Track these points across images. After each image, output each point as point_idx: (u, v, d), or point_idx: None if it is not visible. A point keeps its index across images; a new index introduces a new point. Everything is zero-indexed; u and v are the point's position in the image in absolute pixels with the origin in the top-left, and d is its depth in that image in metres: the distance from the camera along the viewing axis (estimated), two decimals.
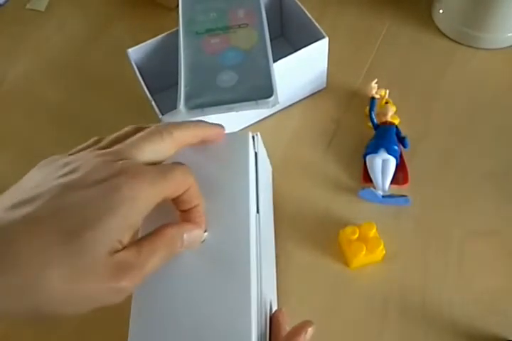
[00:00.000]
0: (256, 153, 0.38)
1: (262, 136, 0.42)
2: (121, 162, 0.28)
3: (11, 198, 0.27)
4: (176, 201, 0.32)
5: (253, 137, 0.38)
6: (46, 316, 0.26)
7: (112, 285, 0.26)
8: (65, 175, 0.28)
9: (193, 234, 0.32)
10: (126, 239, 0.27)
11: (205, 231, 0.34)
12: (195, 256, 0.33)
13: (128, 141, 0.31)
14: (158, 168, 0.30)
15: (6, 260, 0.24)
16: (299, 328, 0.34)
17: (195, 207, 0.32)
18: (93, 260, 0.25)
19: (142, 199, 0.27)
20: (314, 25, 0.51)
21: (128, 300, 0.34)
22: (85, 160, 0.28)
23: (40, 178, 0.28)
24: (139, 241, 0.29)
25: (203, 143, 0.35)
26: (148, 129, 0.32)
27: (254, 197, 0.35)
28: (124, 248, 0.27)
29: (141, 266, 0.27)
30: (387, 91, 0.54)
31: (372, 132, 0.52)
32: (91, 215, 0.26)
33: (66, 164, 0.29)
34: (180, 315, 0.32)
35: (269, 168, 0.50)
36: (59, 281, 0.24)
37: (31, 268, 0.24)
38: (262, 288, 0.34)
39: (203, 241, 0.33)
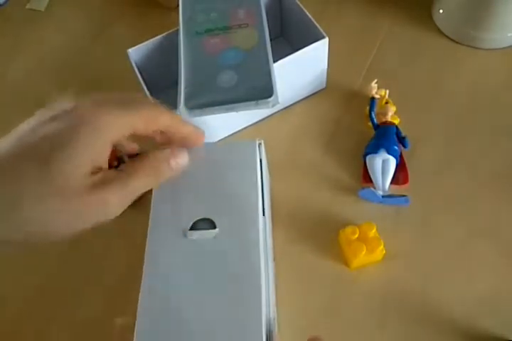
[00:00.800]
0: (261, 160, 0.39)
1: (262, 136, 0.42)
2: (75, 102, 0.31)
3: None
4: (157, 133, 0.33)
5: (259, 144, 0.39)
6: (39, 236, 0.28)
7: (93, 197, 0.28)
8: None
9: (180, 158, 0.33)
10: (100, 164, 0.30)
11: (216, 227, 0.35)
12: (204, 255, 0.34)
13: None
14: (125, 101, 0.31)
15: None
16: None
17: (181, 137, 0.34)
18: (66, 180, 0.28)
19: (106, 128, 0.29)
20: (314, 25, 0.51)
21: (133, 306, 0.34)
22: None
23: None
24: (122, 165, 0.31)
25: (183, 144, 0.35)
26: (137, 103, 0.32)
27: (261, 201, 0.37)
28: (102, 171, 0.30)
29: (123, 181, 0.30)
30: (387, 91, 0.54)
31: (372, 132, 0.52)
32: (57, 143, 0.28)
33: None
34: (188, 317, 0.32)
35: (268, 174, 0.50)
36: (35, 201, 0.27)
37: (9, 194, 0.27)
38: (269, 290, 0.35)
39: (214, 237, 0.35)
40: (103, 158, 0.30)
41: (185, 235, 0.35)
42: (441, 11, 0.60)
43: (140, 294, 0.33)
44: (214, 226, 0.35)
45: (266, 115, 0.56)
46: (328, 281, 0.47)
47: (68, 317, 0.48)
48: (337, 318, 0.45)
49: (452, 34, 0.59)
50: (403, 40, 0.60)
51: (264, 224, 0.37)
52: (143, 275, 0.34)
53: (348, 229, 0.46)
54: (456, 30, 0.59)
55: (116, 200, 0.29)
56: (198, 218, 0.36)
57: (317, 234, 0.49)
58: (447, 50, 0.59)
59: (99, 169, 0.30)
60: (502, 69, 0.57)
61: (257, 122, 0.56)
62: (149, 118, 0.31)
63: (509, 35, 0.57)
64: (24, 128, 0.30)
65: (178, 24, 0.51)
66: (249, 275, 0.33)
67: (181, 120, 0.34)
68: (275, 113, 0.56)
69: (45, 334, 0.47)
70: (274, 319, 0.37)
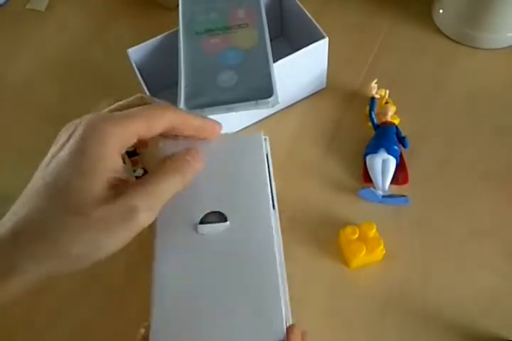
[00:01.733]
0: (267, 154, 0.38)
1: None
2: (80, 119, 0.30)
3: None
4: (168, 135, 0.33)
5: (265, 139, 0.39)
6: (82, 261, 0.28)
7: (117, 206, 0.28)
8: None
9: (196, 154, 0.33)
10: (115, 175, 0.29)
11: (226, 220, 0.34)
12: (216, 251, 0.33)
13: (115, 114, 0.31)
14: (121, 114, 0.30)
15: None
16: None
17: (194, 130, 0.33)
18: (82, 198, 0.27)
19: (108, 137, 0.28)
20: (314, 25, 0.51)
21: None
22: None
23: None
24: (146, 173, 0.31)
25: (197, 138, 0.35)
26: (145, 108, 0.31)
27: (270, 194, 0.36)
28: (124, 182, 0.30)
29: (147, 186, 0.29)
30: (387, 91, 0.54)
31: (372, 132, 0.52)
32: (66, 171, 0.28)
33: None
34: (204, 317, 0.31)
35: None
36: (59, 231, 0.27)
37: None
38: (285, 288, 0.34)
39: (225, 231, 0.33)
40: (115, 168, 0.29)
41: (195, 229, 0.33)
42: (441, 11, 0.60)
43: (152, 293, 0.32)
44: (225, 220, 0.34)
45: (266, 115, 0.56)
46: (328, 281, 0.47)
47: (68, 316, 0.48)
48: (337, 318, 0.45)
49: (452, 34, 0.59)
50: (403, 40, 0.60)
51: (275, 218, 0.36)
52: (153, 273, 0.32)
53: (348, 229, 0.46)
54: (456, 30, 0.59)
55: (144, 206, 0.28)
56: (208, 211, 0.34)
57: (317, 234, 0.49)
58: (447, 50, 0.59)
59: (119, 181, 0.29)
60: (502, 69, 0.57)
61: (257, 122, 0.56)
62: (152, 118, 0.31)
63: (509, 35, 0.57)
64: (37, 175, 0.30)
65: (178, 24, 0.51)
66: (265, 272, 0.32)
67: (188, 113, 0.33)
68: (275, 113, 0.56)
69: (46, 334, 0.47)
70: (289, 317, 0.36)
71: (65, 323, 0.47)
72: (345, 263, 0.47)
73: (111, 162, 0.29)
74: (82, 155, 0.28)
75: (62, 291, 0.49)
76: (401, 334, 0.44)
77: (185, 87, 0.46)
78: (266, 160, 0.37)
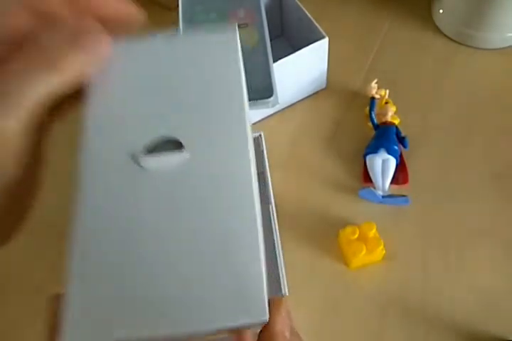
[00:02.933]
0: (263, 151, 0.37)
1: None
2: None
3: None
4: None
5: (259, 135, 0.37)
6: None
7: None
8: None
9: (99, 41, 0.22)
10: None
11: (182, 149, 0.24)
12: (167, 188, 0.23)
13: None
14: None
15: None
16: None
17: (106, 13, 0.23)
18: None
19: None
20: (314, 25, 0.51)
21: None
22: None
23: None
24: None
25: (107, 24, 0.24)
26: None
27: (245, 112, 0.25)
28: None
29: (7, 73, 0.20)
30: (387, 91, 0.54)
31: (372, 132, 0.52)
32: None
33: None
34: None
35: (268, 169, 0.49)
36: None
37: None
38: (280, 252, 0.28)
39: (181, 165, 0.23)
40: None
41: (136, 162, 0.23)
42: (441, 11, 0.60)
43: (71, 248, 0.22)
44: (180, 148, 0.24)
45: (266, 115, 0.56)
46: (328, 281, 0.47)
47: None
48: (337, 318, 0.45)
49: (452, 34, 0.59)
50: (403, 40, 0.60)
51: (253, 154, 0.26)
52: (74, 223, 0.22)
53: (348, 229, 0.46)
54: (456, 30, 0.59)
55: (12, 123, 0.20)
56: (156, 138, 0.24)
57: (317, 233, 0.49)
58: (447, 50, 0.59)
59: None
60: (502, 69, 0.57)
61: (257, 122, 0.56)
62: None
63: (509, 35, 0.57)
64: None
65: (178, 24, 0.51)
66: (238, 226, 0.22)
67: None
68: (275, 113, 0.56)
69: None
70: (284, 278, 0.32)
71: None
72: (345, 263, 0.47)
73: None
74: None
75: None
76: (401, 334, 0.44)
77: None
78: (241, 62, 0.27)
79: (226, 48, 0.27)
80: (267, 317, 0.21)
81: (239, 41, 0.27)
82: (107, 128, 0.24)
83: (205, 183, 0.23)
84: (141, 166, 0.23)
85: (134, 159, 0.23)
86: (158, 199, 0.23)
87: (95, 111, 0.25)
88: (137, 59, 0.26)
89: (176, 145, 0.24)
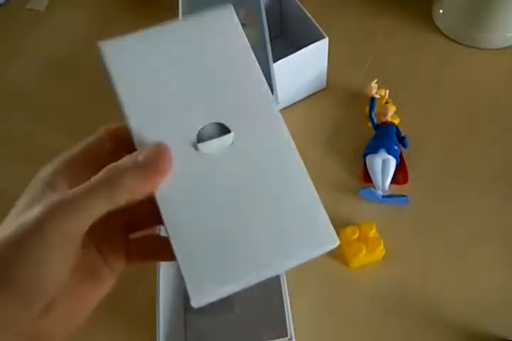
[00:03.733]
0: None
1: None
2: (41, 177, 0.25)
3: None
4: None
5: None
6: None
7: None
8: None
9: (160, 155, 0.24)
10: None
11: (229, 131, 0.26)
12: (229, 168, 0.26)
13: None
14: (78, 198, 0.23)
15: None
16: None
17: None
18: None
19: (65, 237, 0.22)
20: (314, 25, 0.51)
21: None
22: None
23: None
24: None
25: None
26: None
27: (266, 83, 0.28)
28: None
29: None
30: (387, 91, 0.54)
31: (372, 132, 0.52)
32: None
33: None
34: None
35: None
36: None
37: None
38: None
39: (232, 144, 0.26)
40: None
41: (195, 148, 0.26)
42: (441, 11, 0.60)
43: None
44: (227, 130, 0.26)
45: None
46: (328, 281, 0.47)
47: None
48: (337, 318, 0.45)
49: (452, 34, 0.59)
50: (403, 40, 0.60)
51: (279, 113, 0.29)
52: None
53: (348, 229, 0.46)
54: (456, 30, 0.59)
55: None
56: (202, 126, 0.26)
57: None
58: (447, 50, 0.59)
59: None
60: (502, 69, 0.57)
61: None
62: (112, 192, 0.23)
63: (509, 35, 0.57)
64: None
65: None
66: (293, 180, 0.29)
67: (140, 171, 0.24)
68: None
69: None
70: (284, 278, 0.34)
71: None
72: (345, 263, 0.47)
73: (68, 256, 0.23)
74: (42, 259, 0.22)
75: None
76: (401, 334, 0.44)
77: None
78: (245, 37, 0.29)
79: (227, 25, 0.29)
80: (337, 243, 0.25)
81: (236, 16, 0.29)
82: (153, 120, 0.26)
83: (257, 158, 0.27)
84: (201, 151, 0.26)
85: (194, 146, 0.26)
86: (226, 175, 0.26)
87: (134, 106, 0.28)
88: (150, 51, 0.28)
89: (220, 128, 0.26)
